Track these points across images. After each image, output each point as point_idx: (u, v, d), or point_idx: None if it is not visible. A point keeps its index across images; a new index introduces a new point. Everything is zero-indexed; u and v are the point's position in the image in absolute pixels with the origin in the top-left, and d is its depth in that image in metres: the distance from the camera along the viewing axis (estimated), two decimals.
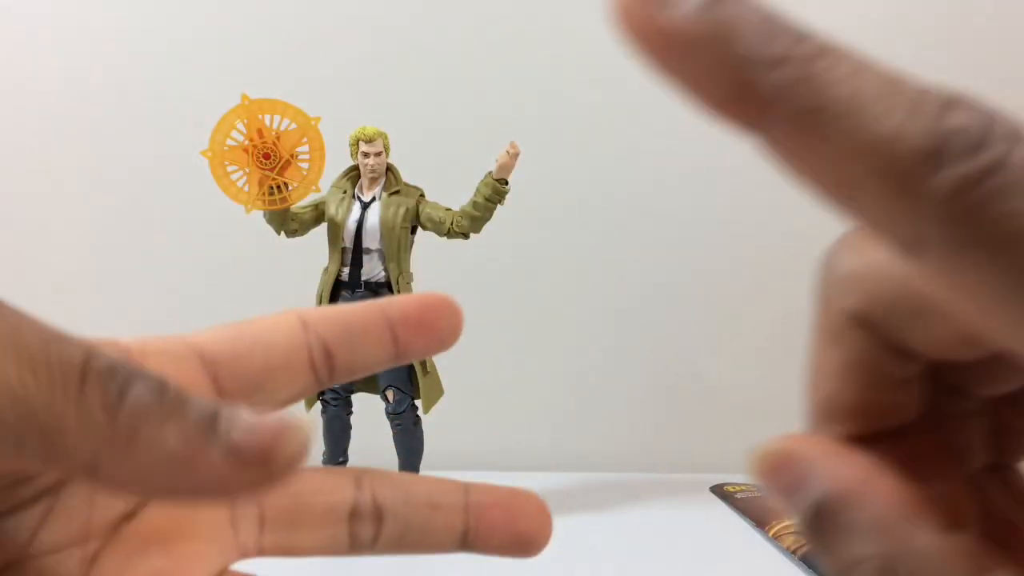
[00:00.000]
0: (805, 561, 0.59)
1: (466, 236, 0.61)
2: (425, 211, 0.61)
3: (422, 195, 0.63)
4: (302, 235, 0.64)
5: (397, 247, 0.60)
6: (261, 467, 0.16)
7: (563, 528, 0.70)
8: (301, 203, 0.62)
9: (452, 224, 0.60)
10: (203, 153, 0.59)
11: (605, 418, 0.86)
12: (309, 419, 0.20)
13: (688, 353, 0.86)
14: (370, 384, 0.66)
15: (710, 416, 0.86)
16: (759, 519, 0.68)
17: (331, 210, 0.61)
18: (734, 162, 0.87)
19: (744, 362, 0.86)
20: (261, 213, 0.62)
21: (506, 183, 0.60)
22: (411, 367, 0.61)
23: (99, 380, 0.15)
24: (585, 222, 0.85)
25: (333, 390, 0.63)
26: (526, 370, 0.84)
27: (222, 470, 0.15)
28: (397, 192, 0.61)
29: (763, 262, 0.86)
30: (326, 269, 0.63)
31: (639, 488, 0.77)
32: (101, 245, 0.81)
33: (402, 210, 0.60)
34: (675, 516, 0.70)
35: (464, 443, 0.81)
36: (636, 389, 0.86)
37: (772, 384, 0.89)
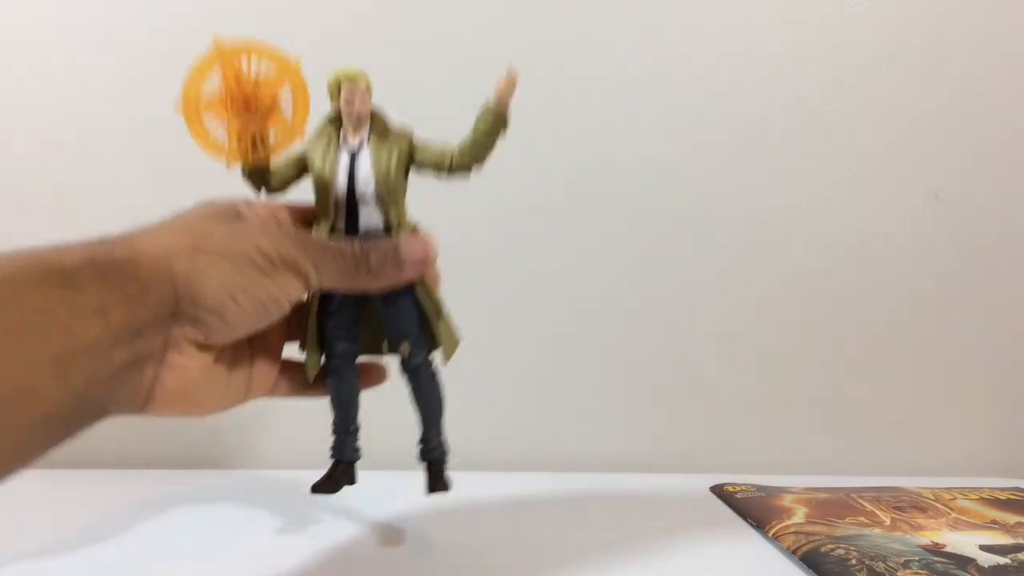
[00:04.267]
0: (805, 561, 0.59)
1: (469, 170, 0.54)
2: (419, 152, 0.54)
3: (412, 137, 0.55)
4: (283, 192, 0.56)
5: (394, 193, 0.54)
6: (425, 266, 0.49)
7: (563, 528, 0.70)
8: (281, 158, 0.55)
9: (453, 160, 0.54)
10: (177, 108, 0.51)
11: (605, 418, 0.86)
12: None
13: (688, 353, 0.86)
14: (370, 348, 0.58)
15: (710, 416, 0.86)
16: (759, 519, 0.68)
17: (317, 164, 0.53)
18: (734, 162, 0.88)
19: (744, 362, 0.86)
20: (241, 169, 0.54)
21: (507, 112, 0.52)
22: (424, 316, 0.54)
23: (362, 260, 0.46)
24: (583, 219, 0.85)
25: (340, 351, 0.56)
26: (524, 370, 0.84)
27: (411, 272, 0.48)
28: (386, 136, 0.54)
29: (763, 263, 0.86)
30: (317, 224, 0.54)
31: (639, 488, 0.77)
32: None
33: (395, 154, 0.53)
34: (675, 516, 0.70)
35: (461, 444, 0.81)
36: (636, 389, 0.86)
37: (772, 384, 0.89)
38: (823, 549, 0.60)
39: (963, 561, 0.60)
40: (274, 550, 0.60)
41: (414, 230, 0.52)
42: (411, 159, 0.54)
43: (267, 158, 0.51)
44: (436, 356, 0.55)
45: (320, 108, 0.53)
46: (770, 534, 0.65)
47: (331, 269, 0.44)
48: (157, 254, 0.38)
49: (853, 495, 0.75)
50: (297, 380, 0.53)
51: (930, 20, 0.86)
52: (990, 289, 0.89)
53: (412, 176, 0.54)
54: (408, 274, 0.47)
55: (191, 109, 0.51)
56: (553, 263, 0.85)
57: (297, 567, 0.57)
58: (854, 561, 0.58)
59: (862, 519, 0.68)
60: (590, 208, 0.84)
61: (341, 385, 0.57)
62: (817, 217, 0.87)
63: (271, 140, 0.51)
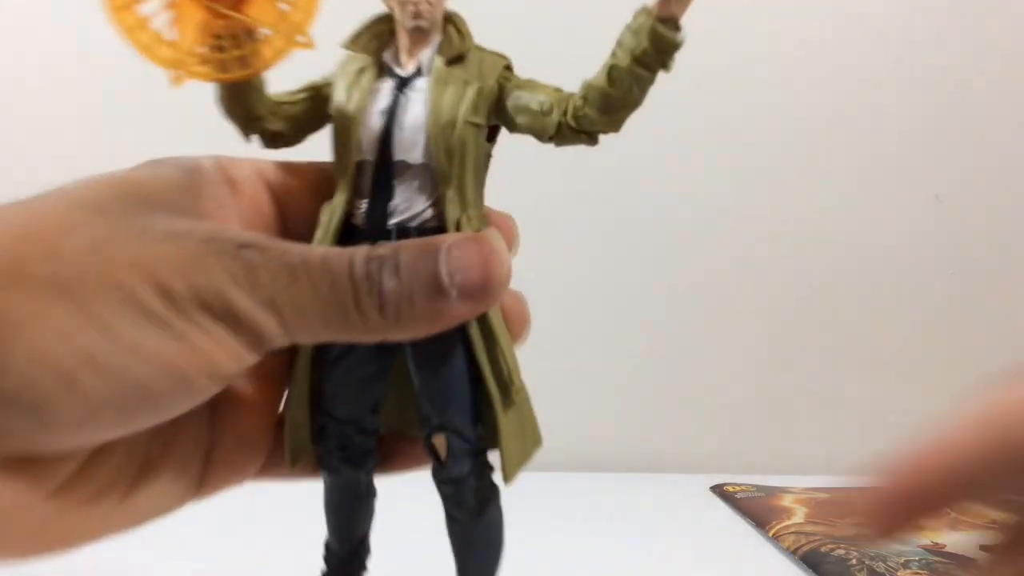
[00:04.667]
0: (805, 561, 0.59)
1: (592, 137, 0.31)
2: (515, 94, 0.31)
3: (508, 67, 0.32)
4: (290, 144, 0.32)
5: (460, 160, 0.30)
6: (485, 296, 0.25)
7: (563, 528, 0.70)
8: (284, 82, 0.31)
9: (569, 114, 0.30)
10: None
11: (605, 418, 0.85)
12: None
13: (688, 353, 0.86)
14: (403, 419, 0.34)
15: (710, 416, 0.86)
16: (759, 519, 0.68)
17: (339, 95, 0.30)
18: (733, 164, 0.87)
19: (744, 362, 0.86)
20: (214, 93, 0.30)
21: (677, 28, 0.29)
22: (479, 392, 0.32)
23: (367, 289, 0.23)
24: (586, 222, 0.85)
25: (342, 431, 0.31)
26: (524, 371, 0.84)
27: (461, 309, 0.24)
28: (461, 60, 0.30)
29: (763, 263, 0.86)
30: (328, 203, 0.31)
31: (639, 488, 0.77)
32: None
33: (471, 92, 0.30)
34: (675, 516, 0.70)
35: None
36: (636, 389, 0.86)
37: (772, 384, 0.89)
38: (823, 549, 0.60)
39: (963, 561, 0.60)
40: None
41: (478, 228, 0.30)
42: (499, 105, 0.31)
43: (246, 72, 0.28)
44: (494, 462, 0.33)
45: (353, 5, 0.32)
46: (770, 534, 0.65)
47: (308, 309, 0.22)
48: None
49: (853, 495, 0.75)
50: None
51: (930, 21, 0.86)
52: (990, 289, 0.89)
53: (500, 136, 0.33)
54: (455, 313, 0.24)
55: None
56: (553, 266, 0.85)
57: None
58: (854, 561, 0.58)
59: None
60: (590, 210, 0.84)
61: (342, 486, 0.32)
62: (817, 218, 0.87)
63: (254, 42, 0.28)
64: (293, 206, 0.30)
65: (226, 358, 0.22)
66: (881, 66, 0.86)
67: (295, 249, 0.23)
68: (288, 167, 0.31)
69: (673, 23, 0.29)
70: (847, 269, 0.87)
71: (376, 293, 0.23)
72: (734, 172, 0.85)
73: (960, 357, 0.89)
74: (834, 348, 0.87)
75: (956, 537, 0.65)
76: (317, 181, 0.30)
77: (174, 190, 0.25)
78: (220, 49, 0.27)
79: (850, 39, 0.86)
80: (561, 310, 0.86)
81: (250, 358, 0.23)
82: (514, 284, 0.81)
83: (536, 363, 0.89)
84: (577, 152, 0.79)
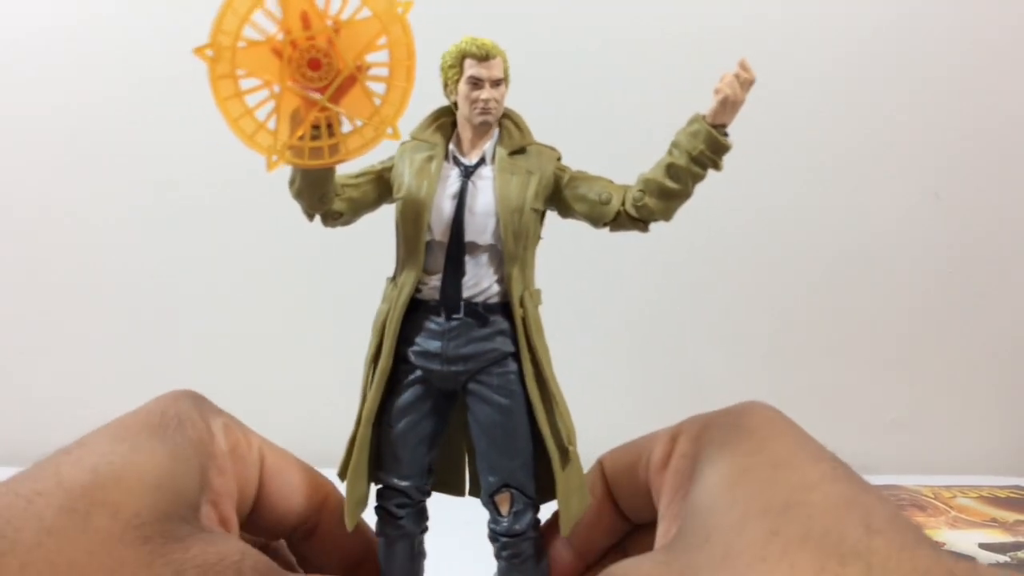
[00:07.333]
0: None
1: (645, 225, 0.36)
2: (573, 184, 0.35)
3: (559, 158, 0.36)
4: (347, 223, 0.35)
5: (524, 242, 0.34)
6: None
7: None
8: (356, 163, 0.32)
9: (627, 204, 0.35)
10: (199, 51, 0.29)
11: (605, 418, 0.85)
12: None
13: (687, 352, 0.86)
14: (453, 478, 0.38)
15: None
16: None
17: (408, 182, 0.33)
18: (734, 162, 0.87)
19: (743, 361, 0.86)
20: (288, 174, 0.33)
21: (726, 133, 0.35)
22: (540, 451, 0.35)
23: None
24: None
25: (401, 491, 0.34)
26: None
27: None
28: (523, 152, 0.35)
29: (763, 262, 0.86)
30: (393, 280, 0.34)
31: None
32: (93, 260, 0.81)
33: (534, 181, 0.34)
34: None
35: None
36: (634, 388, 0.86)
37: (771, 382, 0.89)
38: None
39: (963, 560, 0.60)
40: None
41: (538, 304, 0.35)
42: (557, 193, 0.35)
43: (336, 159, 0.30)
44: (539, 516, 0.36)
45: (425, 96, 0.33)
46: None
47: None
48: None
49: None
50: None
51: (930, 20, 0.86)
52: (989, 288, 0.89)
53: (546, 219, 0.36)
54: None
55: (223, 56, 0.29)
56: (553, 266, 0.84)
57: None
58: None
59: None
60: None
61: (397, 543, 0.35)
62: (817, 216, 0.87)
63: (345, 129, 0.30)
64: (274, 487, 0.33)
65: None
66: (881, 66, 0.86)
67: None
68: (284, 458, 0.34)
69: (723, 128, 0.34)
70: (846, 267, 0.87)
71: None
72: (734, 172, 0.85)
73: (959, 355, 0.89)
74: (833, 346, 0.87)
75: (956, 535, 0.66)
76: (301, 471, 0.34)
77: (192, 483, 0.28)
78: (314, 136, 0.30)
79: (850, 39, 0.86)
80: (560, 313, 0.86)
81: None
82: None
83: None
84: (580, 154, 0.79)
